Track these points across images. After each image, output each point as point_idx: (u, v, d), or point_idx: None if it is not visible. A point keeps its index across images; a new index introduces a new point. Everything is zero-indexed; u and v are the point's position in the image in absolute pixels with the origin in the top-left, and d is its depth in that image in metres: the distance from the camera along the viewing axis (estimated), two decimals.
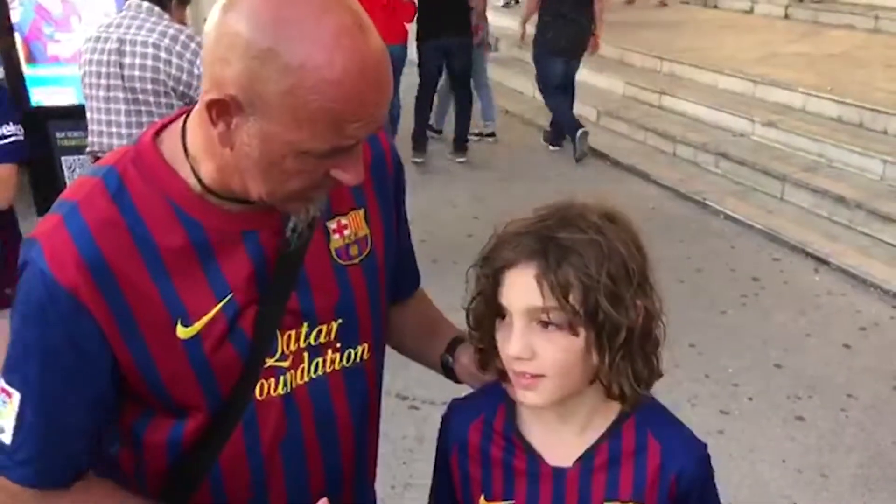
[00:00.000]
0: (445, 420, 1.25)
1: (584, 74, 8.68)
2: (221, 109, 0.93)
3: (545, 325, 1.04)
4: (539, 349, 1.05)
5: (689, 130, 6.82)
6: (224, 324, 1.05)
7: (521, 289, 1.04)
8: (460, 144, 6.82)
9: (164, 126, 1.09)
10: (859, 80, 6.78)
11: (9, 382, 1.03)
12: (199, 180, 1.03)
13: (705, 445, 1.17)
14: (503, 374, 1.14)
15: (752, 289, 4.60)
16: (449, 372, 1.36)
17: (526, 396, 1.09)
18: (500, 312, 1.08)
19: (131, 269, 1.00)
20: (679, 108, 7.29)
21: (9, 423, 1.03)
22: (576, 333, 1.04)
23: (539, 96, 7.13)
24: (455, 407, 1.25)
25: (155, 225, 1.02)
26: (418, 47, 6.47)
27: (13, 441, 1.03)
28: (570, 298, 1.02)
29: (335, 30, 0.89)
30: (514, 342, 1.05)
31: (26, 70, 4.89)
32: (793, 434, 3.36)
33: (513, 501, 1.17)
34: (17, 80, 4.88)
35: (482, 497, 1.19)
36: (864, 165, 5.60)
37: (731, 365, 3.84)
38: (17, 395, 1.02)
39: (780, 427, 3.40)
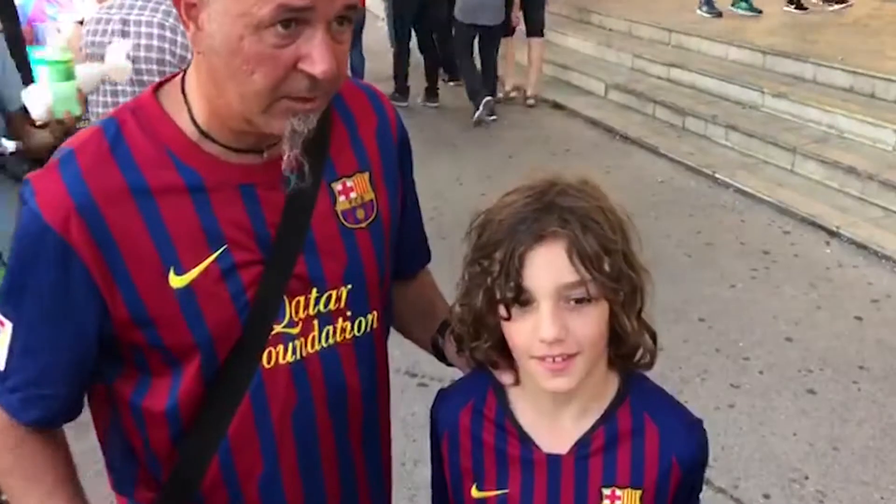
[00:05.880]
0: (434, 411, 1.21)
1: (592, 48, 8.63)
2: (188, 3, 0.95)
3: (577, 301, 1.00)
4: (572, 326, 1.00)
5: (699, 103, 6.77)
6: (218, 276, 1.04)
7: (550, 267, 0.99)
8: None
9: (167, 80, 1.11)
10: (870, 48, 6.69)
11: (3, 313, 1.07)
12: (196, 125, 1.04)
13: (704, 431, 1.14)
14: (493, 364, 1.13)
15: (762, 262, 4.58)
16: (439, 353, 1.34)
17: (557, 382, 1.03)
18: (517, 301, 1.01)
19: (123, 213, 1.01)
20: (688, 81, 7.22)
21: (2, 350, 1.07)
22: (608, 301, 1.01)
23: (547, 71, 7.08)
24: (442, 397, 1.22)
25: (150, 171, 1.03)
26: None
27: (6, 367, 1.08)
28: (605, 267, 0.99)
29: None
30: (547, 326, 0.99)
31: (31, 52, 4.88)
32: (804, 407, 3.35)
33: (506, 491, 1.13)
34: (22, 63, 4.87)
35: (473, 487, 1.15)
36: (875, 136, 5.55)
37: (741, 339, 3.83)
38: (9, 326, 1.06)
39: (791, 400, 3.39)
